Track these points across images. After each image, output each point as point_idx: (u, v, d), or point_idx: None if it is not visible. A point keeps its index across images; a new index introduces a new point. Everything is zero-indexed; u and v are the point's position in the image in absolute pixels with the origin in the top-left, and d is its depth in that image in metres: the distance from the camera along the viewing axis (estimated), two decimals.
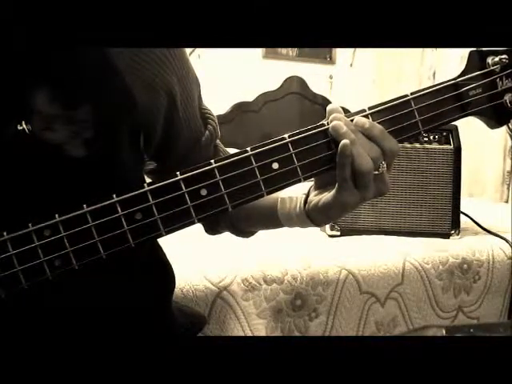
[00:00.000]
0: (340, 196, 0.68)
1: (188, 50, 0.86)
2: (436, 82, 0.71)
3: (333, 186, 0.69)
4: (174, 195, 0.65)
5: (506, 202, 2.78)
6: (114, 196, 0.64)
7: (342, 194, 0.68)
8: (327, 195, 0.70)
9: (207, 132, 0.90)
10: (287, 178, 0.67)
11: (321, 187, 0.73)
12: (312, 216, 0.74)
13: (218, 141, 0.94)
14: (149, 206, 0.65)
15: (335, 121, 0.67)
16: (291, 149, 0.67)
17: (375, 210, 1.64)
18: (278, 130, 3.04)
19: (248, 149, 0.67)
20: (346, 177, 0.67)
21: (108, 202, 0.64)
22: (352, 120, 0.68)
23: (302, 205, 0.75)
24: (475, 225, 1.76)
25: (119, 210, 0.64)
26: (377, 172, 0.67)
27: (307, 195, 0.75)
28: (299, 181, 0.68)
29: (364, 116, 0.69)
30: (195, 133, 0.88)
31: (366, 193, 0.68)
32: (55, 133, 0.68)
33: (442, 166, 1.65)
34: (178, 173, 0.65)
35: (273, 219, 0.81)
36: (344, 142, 0.66)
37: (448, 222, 1.66)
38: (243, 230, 0.93)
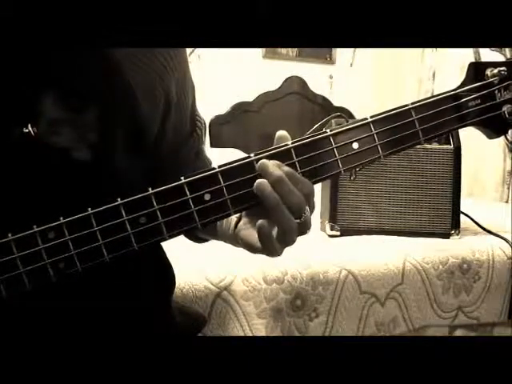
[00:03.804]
0: (263, 250, 0.69)
1: (188, 50, 0.86)
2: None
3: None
4: (179, 200, 0.65)
5: (506, 202, 2.78)
6: (119, 199, 0.64)
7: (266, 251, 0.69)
8: (254, 238, 0.69)
9: (192, 139, 0.90)
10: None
11: (252, 215, 0.72)
12: (241, 242, 0.73)
13: (203, 146, 0.93)
14: (153, 210, 0.65)
15: (259, 181, 0.64)
16: (294, 155, 0.67)
17: (375, 210, 1.64)
18: (278, 130, 3.04)
19: (252, 154, 0.67)
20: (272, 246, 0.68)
21: (112, 205, 0.64)
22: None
23: (233, 227, 0.75)
24: (475, 225, 1.76)
25: (123, 214, 0.64)
26: (299, 221, 0.66)
27: (239, 218, 0.74)
28: None
29: (365, 125, 0.69)
30: (180, 137, 0.87)
31: (289, 244, 0.68)
32: (60, 136, 0.69)
33: (441, 166, 1.64)
34: (182, 177, 0.65)
35: (215, 233, 0.81)
36: (262, 228, 0.65)
37: (448, 222, 1.66)
38: (196, 236, 0.94)
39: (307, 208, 0.66)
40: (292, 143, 0.67)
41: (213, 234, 0.84)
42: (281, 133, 0.68)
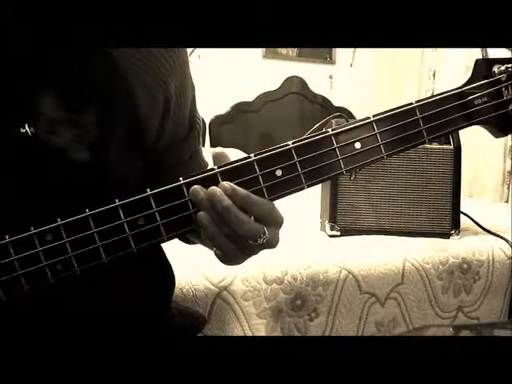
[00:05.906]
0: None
1: (188, 50, 0.86)
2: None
3: None
4: (177, 201, 0.64)
5: (506, 202, 2.78)
6: (117, 200, 0.64)
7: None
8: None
9: (189, 139, 0.90)
10: (290, 186, 0.66)
11: None
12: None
13: (200, 147, 0.93)
14: (151, 212, 0.64)
15: (200, 213, 0.63)
16: (295, 156, 0.66)
17: (375, 210, 1.64)
18: (278, 130, 3.06)
19: (252, 155, 0.66)
20: None
21: (110, 206, 0.63)
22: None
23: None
24: (475, 225, 1.76)
25: (122, 215, 0.64)
26: (256, 243, 0.65)
27: None
28: (302, 188, 0.67)
29: (368, 124, 0.68)
30: (178, 136, 0.87)
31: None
32: (59, 136, 0.69)
33: (441, 166, 1.64)
34: (180, 178, 0.65)
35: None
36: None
37: (448, 222, 1.66)
38: (187, 238, 0.93)
39: (265, 229, 0.65)
40: (293, 143, 0.66)
41: (198, 238, 0.84)
42: (217, 150, 0.67)
